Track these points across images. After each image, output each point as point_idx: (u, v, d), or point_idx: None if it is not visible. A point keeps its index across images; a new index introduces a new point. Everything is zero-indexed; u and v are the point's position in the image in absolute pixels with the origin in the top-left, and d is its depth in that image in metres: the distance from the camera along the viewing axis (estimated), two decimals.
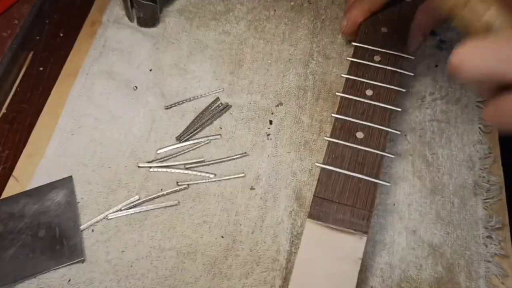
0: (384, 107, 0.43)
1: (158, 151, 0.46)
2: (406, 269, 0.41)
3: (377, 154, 0.40)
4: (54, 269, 0.39)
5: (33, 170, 0.44)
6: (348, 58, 0.46)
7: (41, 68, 0.52)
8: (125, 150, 0.46)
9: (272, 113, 0.49)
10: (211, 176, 0.45)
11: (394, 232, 0.42)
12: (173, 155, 0.46)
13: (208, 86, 0.50)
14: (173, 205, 0.43)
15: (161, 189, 0.44)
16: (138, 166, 0.45)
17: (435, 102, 0.49)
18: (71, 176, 0.44)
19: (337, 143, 0.41)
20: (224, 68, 0.52)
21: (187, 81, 0.51)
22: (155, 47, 0.53)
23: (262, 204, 0.44)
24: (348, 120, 0.42)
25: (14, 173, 0.44)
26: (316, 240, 0.37)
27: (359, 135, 0.41)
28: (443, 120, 0.48)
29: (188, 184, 0.44)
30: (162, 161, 0.46)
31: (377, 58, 0.45)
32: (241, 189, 0.44)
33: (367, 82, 0.44)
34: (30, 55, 0.53)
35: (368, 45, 0.46)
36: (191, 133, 0.47)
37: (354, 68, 0.45)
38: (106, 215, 0.42)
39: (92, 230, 0.42)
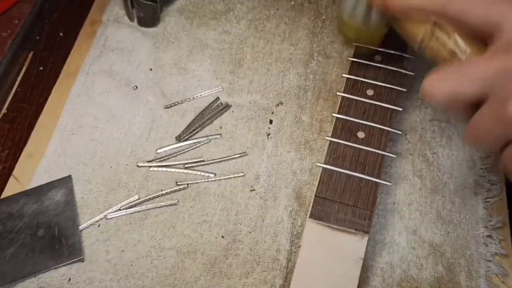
0: (385, 106, 0.43)
1: (158, 151, 0.46)
2: (407, 268, 0.41)
3: (378, 153, 0.40)
4: (54, 268, 0.39)
5: (33, 169, 0.44)
6: (348, 57, 0.46)
7: (41, 68, 0.52)
8: (125, 150, 0.46)
9: (272, 113, 0.49)
10: (211, 175, 0.45)
11: (395, 232, 0.42)
12: (173, 155, 0.46)
13: (208, 85, 0.50)
14: (173, 205, 0.43)
15: (161, 189, 0.44)
16: (138, 166, 0.45)
17: None
18: (70, 176, 0.44)
19: (338, 143, 0.41)
20: (224, 67, 0.52)
21: (187, 80, 0.51)
22: (155, 46, 0.53)
23: (262, 203, 0.43)
24: (349, 120, 0.42)
25: (14, 172, 0.44)
26: (317, 240, 0.37)
27: (360, 134, 0.41)
28: (443, 119, 0.48)
29: (188, 184, 0.44)
30: (162, 160, 0.46)
31: (378, 57, 0.45)
32: (241, 188, 0.44)
33: (368, 82, 0.44)
34: (30, 55, 0.53)
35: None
36: (191, 132, 0.47)
37: (354, 68, 0.45)
38: (106, 215, 0.42)
39: (93, 229, 0.42)
